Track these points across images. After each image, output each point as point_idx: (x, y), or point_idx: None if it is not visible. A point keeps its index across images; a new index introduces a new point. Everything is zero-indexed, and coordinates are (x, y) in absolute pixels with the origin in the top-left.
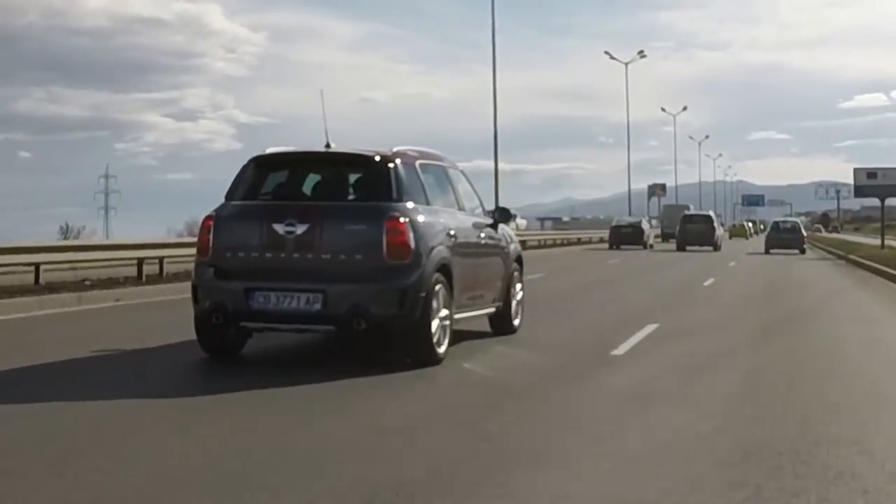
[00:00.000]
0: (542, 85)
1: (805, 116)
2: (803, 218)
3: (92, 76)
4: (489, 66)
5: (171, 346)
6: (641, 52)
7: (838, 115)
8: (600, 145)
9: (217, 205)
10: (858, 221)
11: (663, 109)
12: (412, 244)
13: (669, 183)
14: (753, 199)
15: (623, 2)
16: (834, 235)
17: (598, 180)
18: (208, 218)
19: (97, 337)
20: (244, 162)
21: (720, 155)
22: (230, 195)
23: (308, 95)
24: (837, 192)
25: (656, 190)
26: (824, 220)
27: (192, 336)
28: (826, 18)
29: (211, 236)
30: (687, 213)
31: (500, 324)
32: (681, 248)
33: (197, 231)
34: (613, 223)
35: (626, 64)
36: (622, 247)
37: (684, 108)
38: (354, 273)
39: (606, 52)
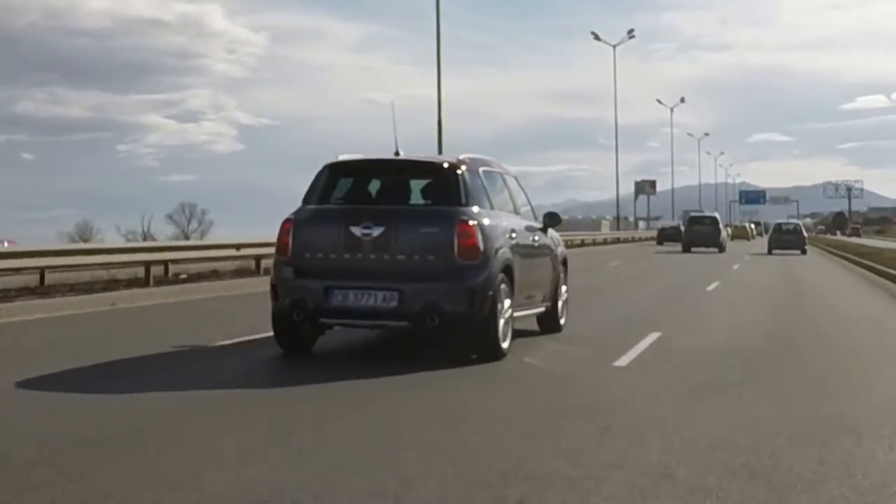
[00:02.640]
0: (543, 87)
1: (807, 118)
2: (808, 220)
3: (93, 77)
4: (491, 68)
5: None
6: (631, 31)
7: (840, 116)
8: (602, 147)
9: (216, 205)
10: (872, 223)
11: (659, 101)
12: (481, 246)
13: (668, 185)
14: (753, 197)
15: (626, 3)
16: (854, 240)
17: (601, 182)
18: (287, 221)
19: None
20: (245, 163)
21: (722, 153)
22: (307, 199)
23: (310, 97)
24: (849, 190)
25: (644, 187)
26: (839, 221)
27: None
28: (829, 20)
29: (290, 238)
30: (693, 214)
31: (548, 322)
32: (686, 249)
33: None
34: (659, 226)
35: (615, 46)
36: (665, 243)
37: (682, 100)
38: (427, 273)
39: (593, 33)
